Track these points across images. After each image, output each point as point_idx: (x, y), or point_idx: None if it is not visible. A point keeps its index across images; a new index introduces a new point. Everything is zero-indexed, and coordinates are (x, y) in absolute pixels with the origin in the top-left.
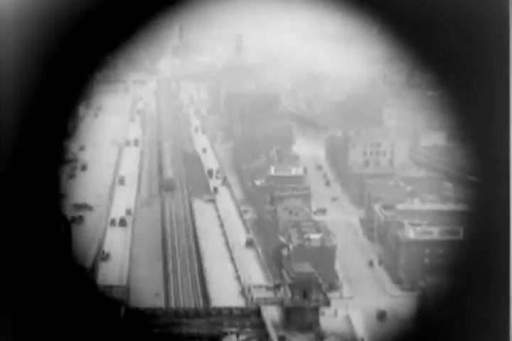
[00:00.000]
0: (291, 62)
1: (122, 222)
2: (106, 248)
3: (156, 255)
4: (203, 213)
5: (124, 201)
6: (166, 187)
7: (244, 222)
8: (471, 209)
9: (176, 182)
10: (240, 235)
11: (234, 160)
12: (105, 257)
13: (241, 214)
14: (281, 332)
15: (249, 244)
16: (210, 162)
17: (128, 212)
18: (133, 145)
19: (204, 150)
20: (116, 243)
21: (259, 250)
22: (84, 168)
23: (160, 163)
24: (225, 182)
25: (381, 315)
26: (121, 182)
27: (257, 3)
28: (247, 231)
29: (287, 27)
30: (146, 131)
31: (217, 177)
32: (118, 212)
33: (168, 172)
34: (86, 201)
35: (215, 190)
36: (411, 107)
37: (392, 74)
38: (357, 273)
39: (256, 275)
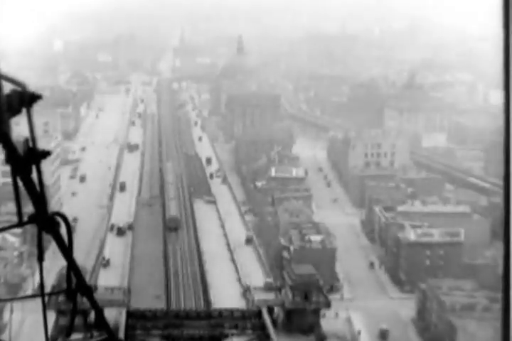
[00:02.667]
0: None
1: (120, 231)
2: (106, 252)
3: (156, 258)
4: (204, 214)
5: (124, 205)
6: (170, 226)
7: (244, 221)
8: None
9: (181, 221)
10: (240, 236)
11: (235, 161)
12: (106, 263)
13: (242, 214)
14: (282, 335)
15: (249, 241)
16: (210, 162)
17: (128, 218)
18: (134, 147)
19: (204, 150)
20: (116, 246)
21: (259, 248)
22: (83, 179)
23: (161, 167)
24: (225, 180)
25: (383, 335)
26: (122, 188)
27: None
28: (247, 229)
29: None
30: (147, 133)
31: (217, 177)
32: (118, 215)
33: (172, 210)
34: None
35: (211, 176)
36: (412, 108)
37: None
38: (358, 274)
39: (256, 273)
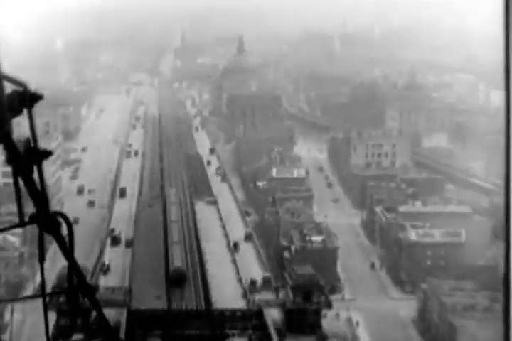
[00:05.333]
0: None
1: (115, 239)
2: (106, 256)
3: (157, 258)
4: (205, 215)
5: (124, 206)
6: (175, 281)
7: (244, 218)
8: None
9: (186, 274)
10: (240, 235)
11: (235, 162)
12: (106, 269)
13: (242, 214)
14: (282, 335)
15: (248, 237)
16: (211, 161)
17: (128, 220)
18: (134, 147)
19: (204, 150)
20: (116, 249)
21: (257, 244)
22: (80, 191)
23: (161, 169)
24: (224, 178)
25: None
26: (122, 193)
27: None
28: (247, 226)
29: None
30: (148, 133)
31: (217, 174)
32: (118, 216)
33: (176, 261)
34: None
35: (208, 163)
36: (413, 108)
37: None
38: (359, 275)
39: (255, 268)
